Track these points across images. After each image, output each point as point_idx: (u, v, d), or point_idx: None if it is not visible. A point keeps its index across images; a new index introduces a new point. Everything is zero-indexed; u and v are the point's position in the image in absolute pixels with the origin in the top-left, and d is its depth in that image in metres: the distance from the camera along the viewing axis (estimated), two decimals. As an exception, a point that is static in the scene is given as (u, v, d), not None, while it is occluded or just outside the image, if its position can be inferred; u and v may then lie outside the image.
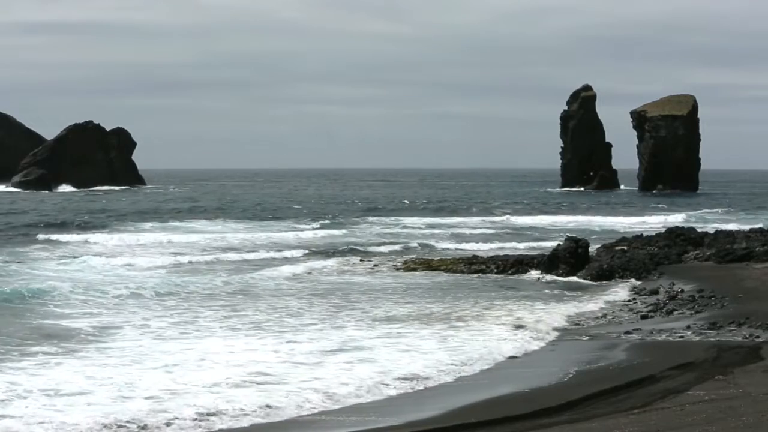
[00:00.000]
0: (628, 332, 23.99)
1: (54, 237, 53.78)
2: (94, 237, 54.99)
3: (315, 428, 15.62)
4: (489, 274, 38.26)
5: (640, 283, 34.61)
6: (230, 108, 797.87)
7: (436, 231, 62.90)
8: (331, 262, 42.83)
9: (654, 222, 70.88)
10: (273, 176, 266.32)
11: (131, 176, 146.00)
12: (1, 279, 34.68)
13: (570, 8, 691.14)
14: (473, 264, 40.07)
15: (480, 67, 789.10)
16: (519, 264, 39.24)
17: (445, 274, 38.61)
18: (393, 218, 76.51)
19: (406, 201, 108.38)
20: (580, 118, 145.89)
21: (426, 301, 30.34)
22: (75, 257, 44.08)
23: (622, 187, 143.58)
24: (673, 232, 45.27)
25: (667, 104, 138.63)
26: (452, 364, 20.30)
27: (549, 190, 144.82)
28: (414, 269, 39.91)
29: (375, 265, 41.65)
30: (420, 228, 66.04)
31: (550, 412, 15.66)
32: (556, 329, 25.03)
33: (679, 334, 23.39)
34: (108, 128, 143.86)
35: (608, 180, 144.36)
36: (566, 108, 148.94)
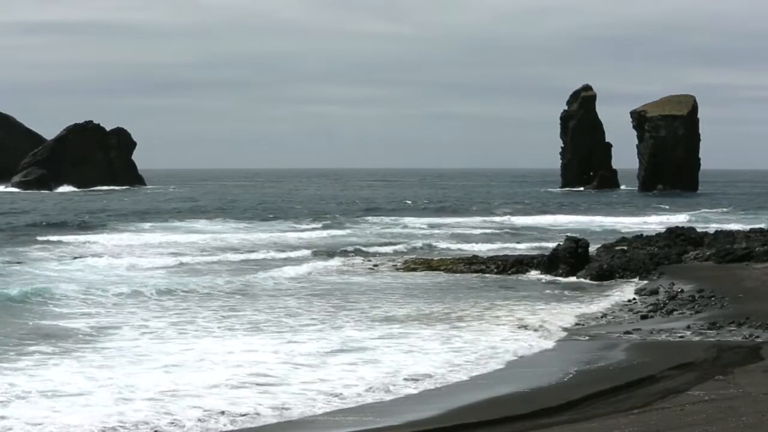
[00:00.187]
0: (628, 332, 23.98)
1: (54, 237, 53.69)
2: (94, 237, 55.00)
3: (318, 428, 15.60)
4: (489, 274, 38.25)
5: (640, 283, 34.62)
6: (230, 108, 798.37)
7: (436, 231, 62.87)
8: (331, 262, 42.80)
9: (654, 222, 70.87)
10: (273, 176, 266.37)
11: (131, 176, 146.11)
12: (1, 279, 34.68)
13: (570, 8, 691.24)
14: (473, 264, 40.08)
15: (480, 67, 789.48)
16: (519, 264, 39.26)
17: (445, 274, 38.60)
18: (393, 218, 76.48)
19: (407, 201, 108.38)
20: (580, 118, 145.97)
21: (426, 302, 30.29)
22: (75, 257, 44.12)
23: (622, 187, 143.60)
24: (673, 232, 45.24)
25: (667, 104, 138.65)
26: (457, 365, 20.26)
27: (549, 190, 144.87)
28: (414, 269, 39.90)
29: (375, 265, 41.63)
30: (420, 228, 65.97)
31: (550, 412, 15.66)
32: (556, 329, 25.01)
33: (679, 334, 23.38)
34: (108, 128, 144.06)
35: (608, 180, 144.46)
36: (566, 108, 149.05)
